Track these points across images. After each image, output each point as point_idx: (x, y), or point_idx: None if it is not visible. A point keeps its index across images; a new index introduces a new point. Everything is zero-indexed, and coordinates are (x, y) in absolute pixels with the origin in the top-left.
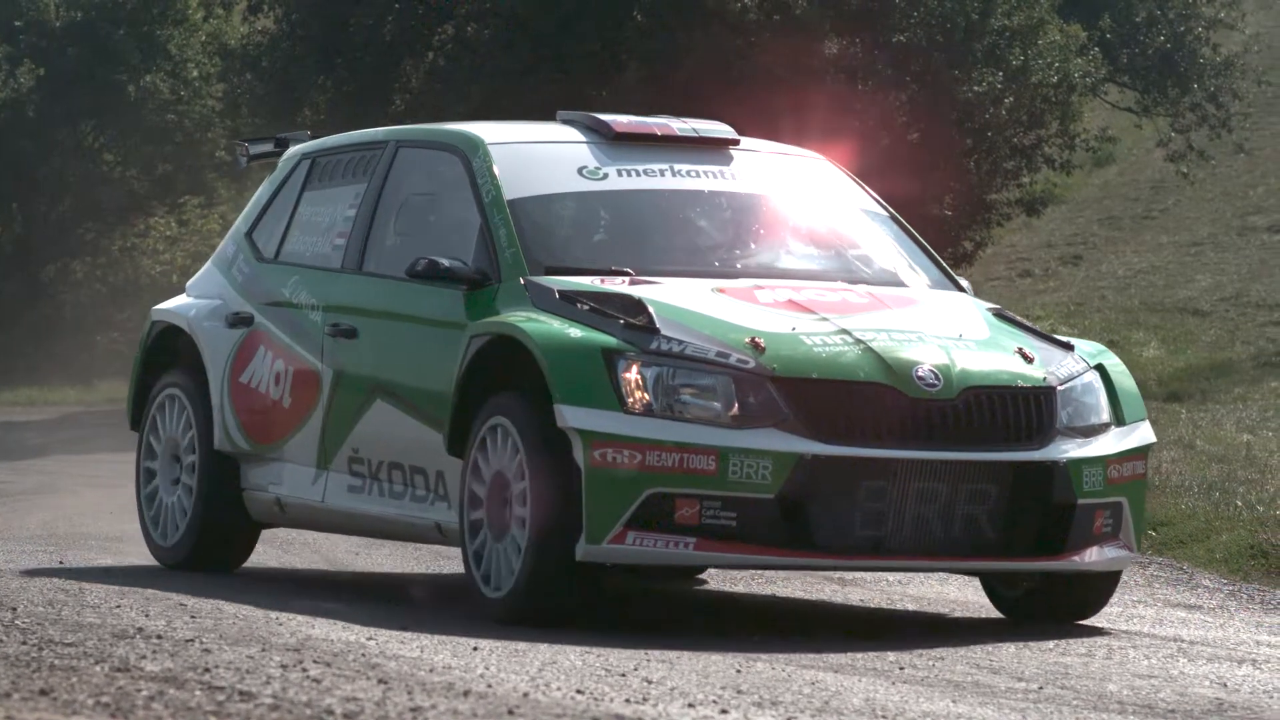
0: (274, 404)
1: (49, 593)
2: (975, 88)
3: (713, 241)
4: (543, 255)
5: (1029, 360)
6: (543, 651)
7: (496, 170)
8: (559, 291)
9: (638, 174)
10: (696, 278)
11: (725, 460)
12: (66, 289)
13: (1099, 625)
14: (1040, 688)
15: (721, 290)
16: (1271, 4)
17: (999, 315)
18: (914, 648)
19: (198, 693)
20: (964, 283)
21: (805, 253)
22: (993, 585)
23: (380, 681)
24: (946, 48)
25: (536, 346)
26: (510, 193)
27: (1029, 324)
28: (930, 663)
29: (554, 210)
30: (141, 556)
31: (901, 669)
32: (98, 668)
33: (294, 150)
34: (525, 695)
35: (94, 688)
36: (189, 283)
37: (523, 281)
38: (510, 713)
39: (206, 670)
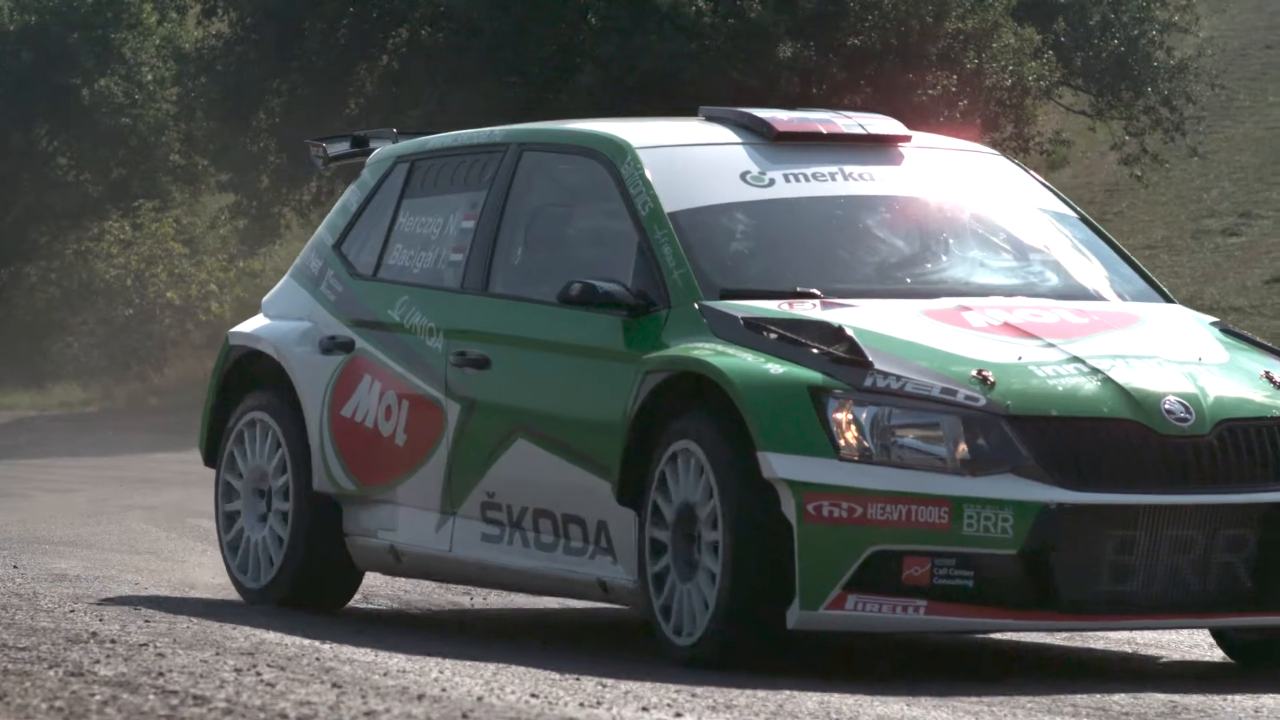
0: (385, 440)
1: (2, 597)
2: (930, 91)
3: (899, 254)
4: (717, 276)
5: (1278, 386)
6: (497, 655)
7: (650, 177)
8: (744, 319)
9: (806, 179)
10: (891, 298)
11: (959, 512)
12: (20, 293)
13: None
14: None
15: (928, 313)
16: (1225, 8)
17: (1225, 331)
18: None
19: (151, 697)
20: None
21: (1000, 264)
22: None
23: (334, 686)
24: (901, 51)
25: (734, 385)
26: (670, 204)
27: (1257, 339)
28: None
29: (721, 223)
30: (92, 560)
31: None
32: (51, 672)
33: (384, 153)
34: (479, 699)
35: (47, 692)
36: (265, 300)
37: (698, 307)
38: (464, 717)
39: (160, 675)
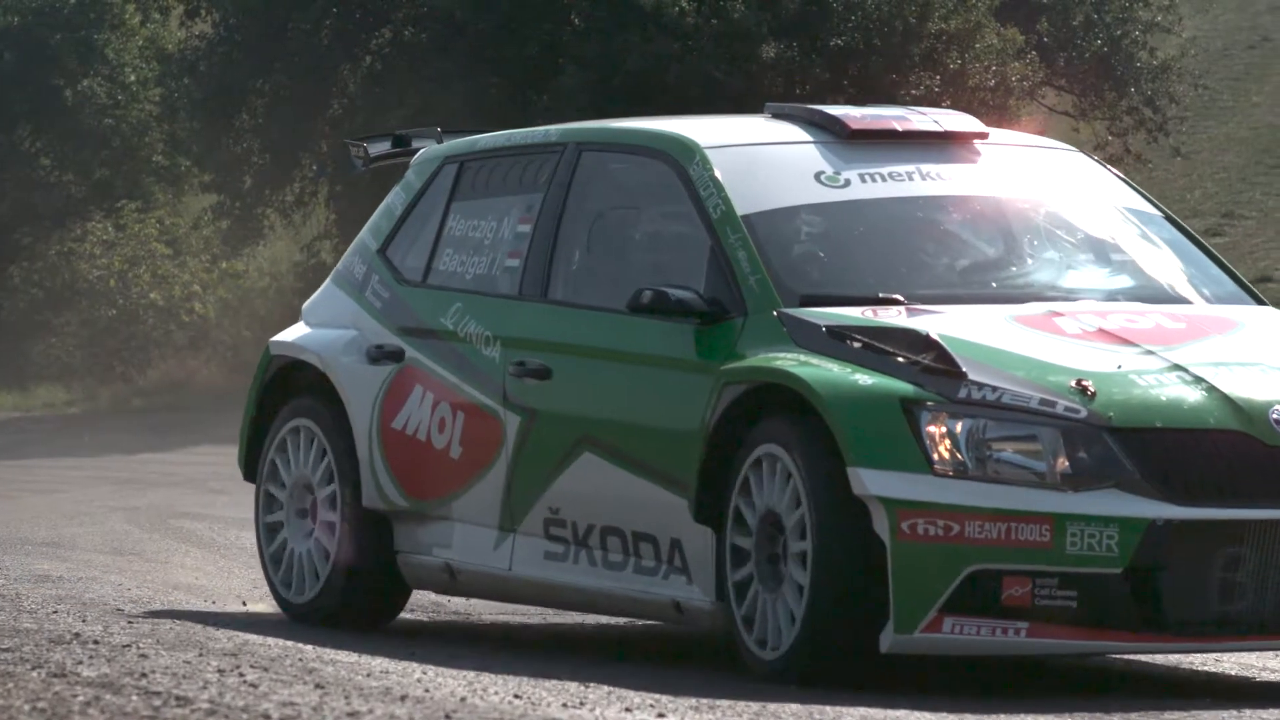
0: (438, 454)
1: None
2: (913, 91)
3: (983, 257)
4: (796, 282)
5: None
6: (480, 656)
7: (721, 178)
8: (826, 327)
9: (882, 179)
10: (978, 303)
11: (1062, 529)
12: (3, 294)
13: None
14: None
15: (1019, 319)
16: (1208, 8)
17: None
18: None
19: (134, 698)
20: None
21: (1087, 266)
22: None
23: (317, 686)
24: (884, 51)
25: (822, 398)
26: (743, 207)
27: None
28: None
29: (797, 226)
30: (75, 562)
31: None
32: (34, 673)
33: (430, 153)
34: (462, 700)
35: (30, 693)
36: (305, 306)
37: (777, 315)
38: (447, 717)
39: (143, 675)
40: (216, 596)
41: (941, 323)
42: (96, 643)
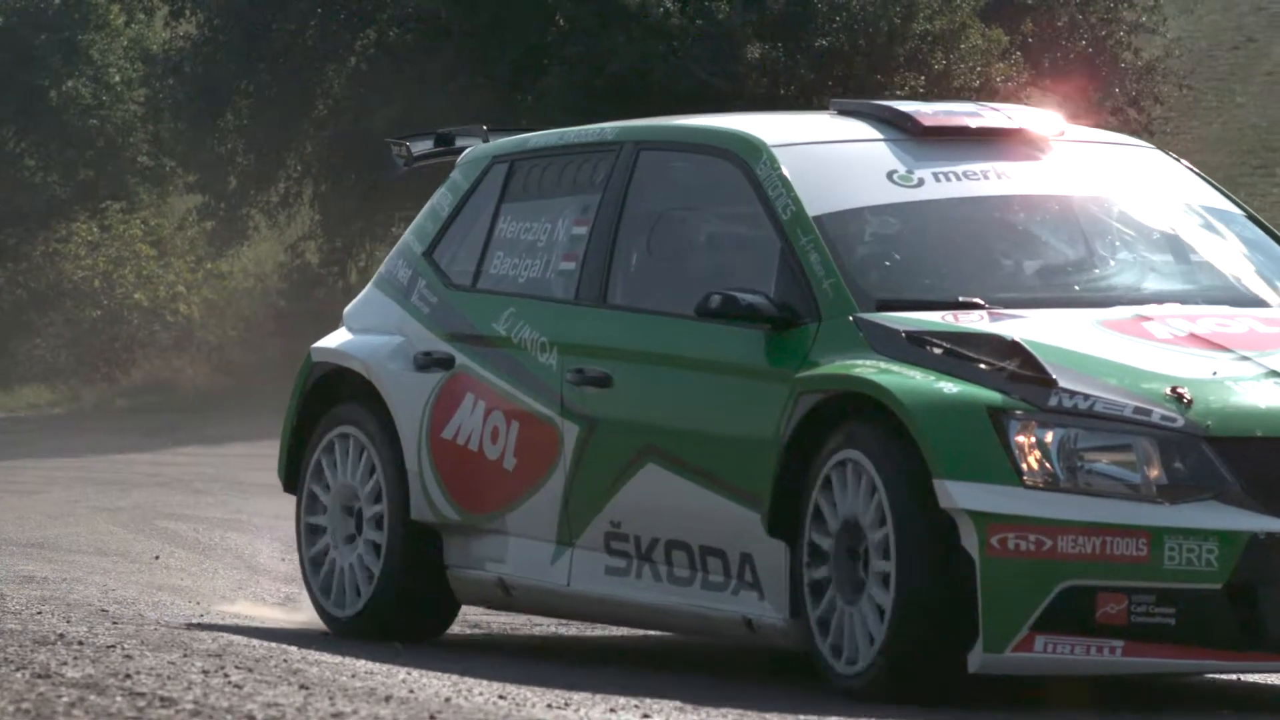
0: (492, 465)
1: None
2: (898, 92)
3: (1064, 259)
4: (872, 286)
5: None
6: (465, 657)
7: (790, 177)
8: (906, 332)
9: (957, 177)
10: (1062, 307)
11: (1159, 543)
12: None
13: None
14: None
15: (1106, 324)
16: (1192, 9)
17: None
18: None
19: (119, 699)
20: None
21: (1171, 268)
22: None
23: (302, 687)
24: (869, 52)
25: (906, 407)
26: (814, 207)
27: None
28: None
29: (871, 227)
30: (60, 562)
31: None
32: (18, 674)
33: (477, 152)
34: (447, 700)
35: (14, 694)
36: (346, 311)
37: (853, 320)
38: (432, 718)
39: (128, 676)
40: (201, 597)
41: (1026, 328)
42: (81, 644)
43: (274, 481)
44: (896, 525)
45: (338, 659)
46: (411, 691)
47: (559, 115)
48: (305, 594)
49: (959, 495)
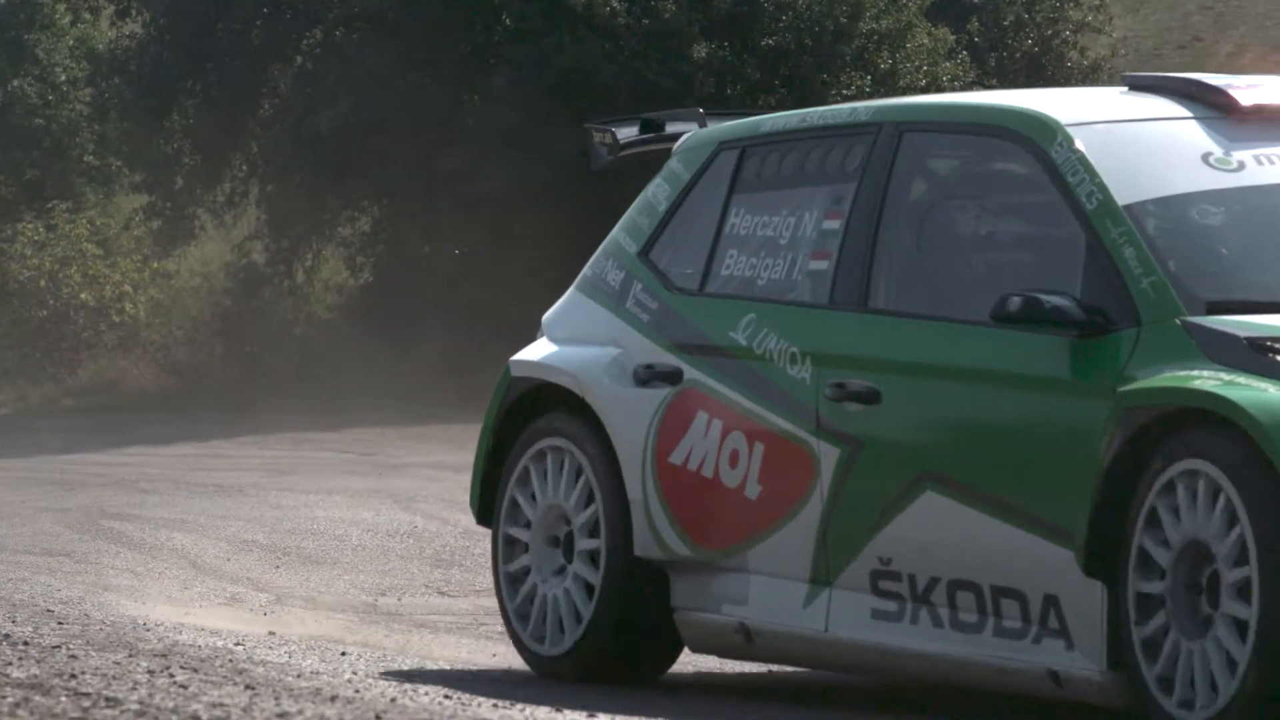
0: (730, 493)
1: None
2: (844, 91)
3: None
4: (1199, 284)
5: None
6: (411, 657)
7: (1093, 162)
8: (1248, 339)
9: (1277, 160)
10: None
11: None
12: None
13: None
14: None
15: None
16: (1138, 8)
17: None
18: None
19: (64, 699)
20: None
21: None
22: None
23: (247, 687)
24: (815, 51)
25: (1264, 426)
26: (1124, 195)
27: None
28: None
29: (1191, 218)
30: (4, 562)
31: None
32: None
33: (699, 138)
34: (393, 700)
35: None
36: (546, 319)
37: (1180, 324)
38: (377, 717)
39: (73, 676)
40: (147, 597)
41: None
42: (26, 644)
43: (220, 481)
44: (1261, 557)
45: (284, 658)
46: (357, 691)
47: (505, 114)
48: (250, 594)
49: None
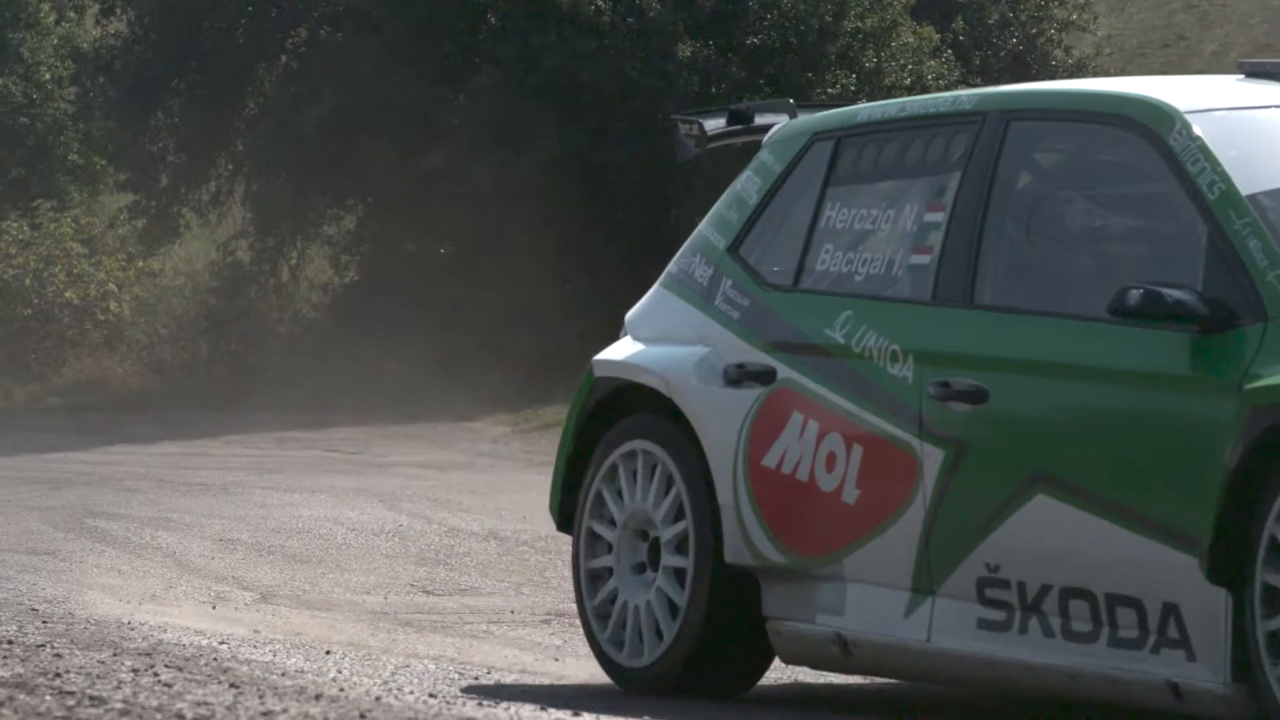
0: (827, 497)
1: None
2: (829, 90)
3: None
4: None
5: None
6: (396, 656)
7: (1214, 150)
8: None
9: None
10: None
11: None
12: None
13: None
14: None
15: None
16: (1123, 7)
17: None
18: None
19: (48, 698)
20: None
21: None
22: None
23: (232, 686)
24: (800, 50)
25: None
26: (1247, 185)
27: None
28: None
29: None
30: None
31: None
32: None
33: (792, 129)
34: (377, 699)
35: None
36: (630, 317)
37: None
38: (362, 716)
39: (57, 675)
40: (131, 596)
41: None
42: (10, 643)
43: (205, 480)
44: None
45: (268, 657)
46: (342, 690)
47: (491, 114)
48: (235, 592)
49: None
